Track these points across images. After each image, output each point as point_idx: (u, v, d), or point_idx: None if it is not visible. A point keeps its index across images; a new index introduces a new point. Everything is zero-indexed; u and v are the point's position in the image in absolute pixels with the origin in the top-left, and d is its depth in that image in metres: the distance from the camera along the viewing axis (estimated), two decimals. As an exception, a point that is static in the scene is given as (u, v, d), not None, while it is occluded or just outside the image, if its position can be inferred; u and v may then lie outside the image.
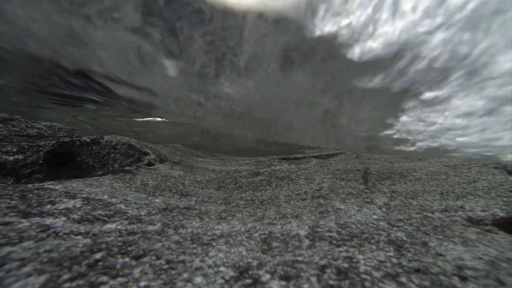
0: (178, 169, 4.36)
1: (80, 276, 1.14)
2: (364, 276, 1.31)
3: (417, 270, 1.39)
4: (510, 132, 12.49)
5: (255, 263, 1.42)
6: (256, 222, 2.16)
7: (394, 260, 1.49)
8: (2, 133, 5.04)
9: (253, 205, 2.74)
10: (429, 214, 2.27)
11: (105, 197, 2.35)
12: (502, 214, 2.20)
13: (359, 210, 2.41)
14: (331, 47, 9.15)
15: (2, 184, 3.89)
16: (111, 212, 2.02)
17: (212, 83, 10.94)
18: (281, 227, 2.00)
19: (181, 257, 1.44)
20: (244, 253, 1.54)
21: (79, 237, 1.53)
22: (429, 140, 14.96)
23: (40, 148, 4.84)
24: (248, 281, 1.23)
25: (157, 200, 2.56)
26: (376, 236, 1.82)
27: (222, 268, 1.34)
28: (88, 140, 4.73)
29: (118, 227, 1.78)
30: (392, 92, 11.12)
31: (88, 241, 1.50)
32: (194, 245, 1.63)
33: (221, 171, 4.72)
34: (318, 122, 14.18)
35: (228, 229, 1.96)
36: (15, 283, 1.06)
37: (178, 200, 2.71)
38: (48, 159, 4.42)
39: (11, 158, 4.42)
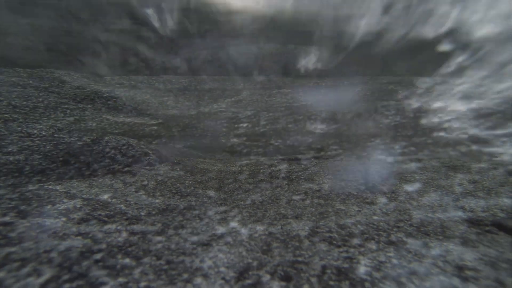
0: (178, 169, 4.36)
1: (80, 277, 1.14)
2: (364, 276, 1.31)
3: (417, 271, 1.39)
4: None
5: (255, 263, 1.42)
6: (256, 222, 2.16)
7: (394, 260, 1.49)
8: (3, 133, 5.04)
9: (253, 205, 2.74)
10: (429, 215, 2.27)
11: (105, 197, 2.35)
12: (502, 215, 2.20)
13: (359, 211, 2.41)
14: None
15: (2, 185, 3.89)
16: (111, 213, 2.02)
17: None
18: (281, 228, 2.00)
19: (181, 258, 1.44)
20: (244, 253, 1.54)
21: (79, 237, 1.53)
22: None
23: (41, 148, 4.84)
24: (249, 281, 1.23)
25: (157, 201, 2.56)
26: (376, 237, 1.82)
27: (222, 269, 1.34)
28: (88, 140, 4.73)
29: (118, 227, 1.78)
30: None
31: (88, 241, 1.50)
32: (194, 246, 1.63)
33: (221, 171, 4.72)
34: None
35: (228, 230, 1.96)
36: (15, 283, 1.06)
37: (178, 200, 2.71)
38: (49, 159, 4.42)
39: (11, 158, 4.42)
